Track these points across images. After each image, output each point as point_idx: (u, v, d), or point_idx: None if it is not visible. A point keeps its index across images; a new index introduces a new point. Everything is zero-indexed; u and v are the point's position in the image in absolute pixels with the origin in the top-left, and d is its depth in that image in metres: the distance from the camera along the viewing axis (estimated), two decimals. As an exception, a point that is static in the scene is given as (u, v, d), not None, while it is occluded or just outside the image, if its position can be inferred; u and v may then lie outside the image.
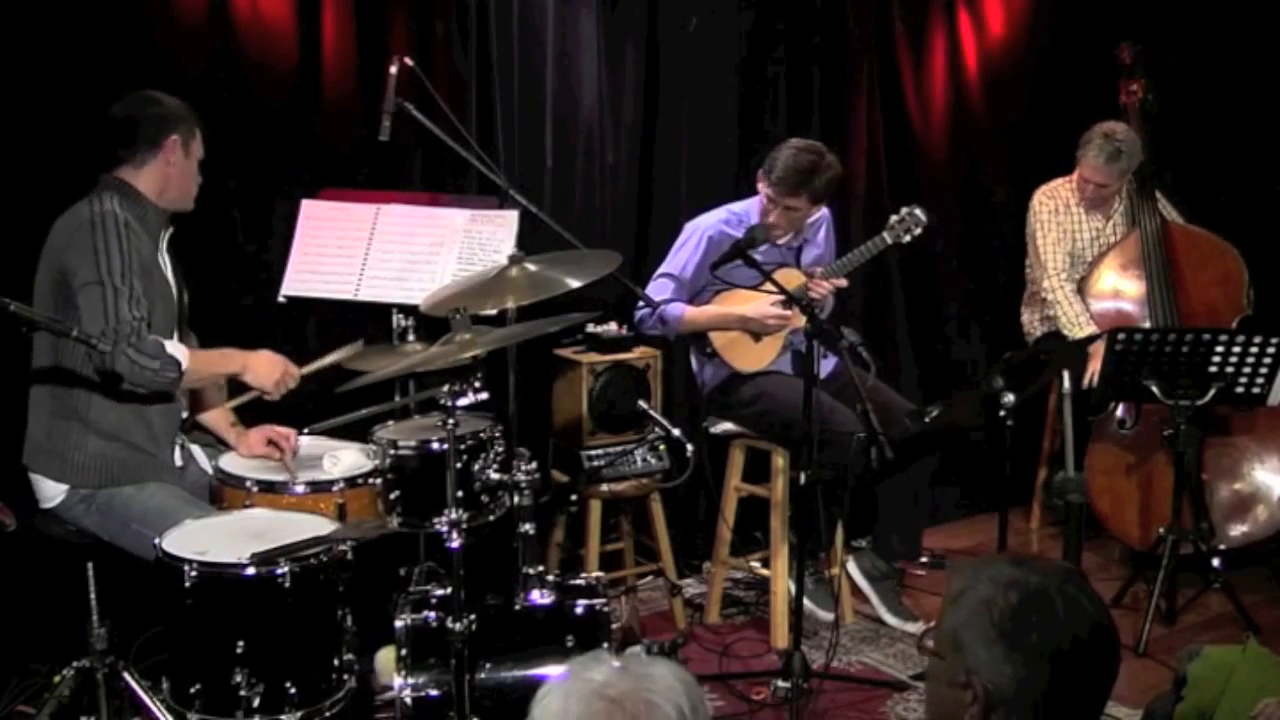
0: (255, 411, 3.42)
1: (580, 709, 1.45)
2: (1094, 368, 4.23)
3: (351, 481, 3.16)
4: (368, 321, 3.71)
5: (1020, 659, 1.60)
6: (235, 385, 3.29)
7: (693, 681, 1.51)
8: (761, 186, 3.97)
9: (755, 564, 4.22)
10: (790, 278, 3.94)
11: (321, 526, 2.94)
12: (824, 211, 4.12)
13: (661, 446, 3.98)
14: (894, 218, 3.99)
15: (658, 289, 4.01)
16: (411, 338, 3.52)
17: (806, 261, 4.11)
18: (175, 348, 3.03)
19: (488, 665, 2.94)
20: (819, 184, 3.90)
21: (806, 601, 3.88)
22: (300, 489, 3.14)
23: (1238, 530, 4.41)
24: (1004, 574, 1.66)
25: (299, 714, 2.78)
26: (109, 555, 3.02)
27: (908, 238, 3.98)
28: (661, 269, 4.06)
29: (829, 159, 3.92)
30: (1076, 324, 4.54)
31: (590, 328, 3.95)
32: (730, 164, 4.69)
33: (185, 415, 3.33)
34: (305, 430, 3.42)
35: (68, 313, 2.97)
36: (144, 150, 3.16)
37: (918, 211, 3.96)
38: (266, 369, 3.18)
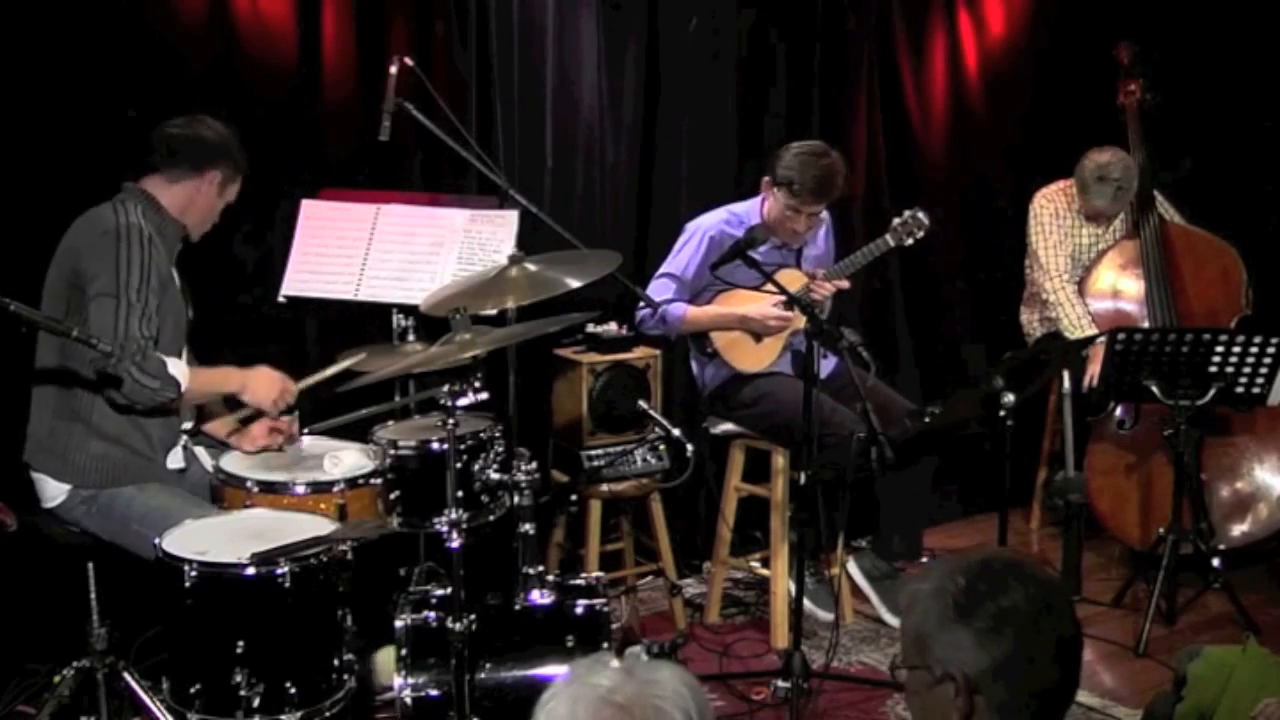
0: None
1: (587, 715, 1.44)
2: (1094, 369, 4.23)
3: (352, 482, 3.16)
4: (368, 322, 3.71)
5: (984, 628, 1.63)
6: (235, 402, 3.31)
7: (698, 686, 1.51)
8: (780, 196, 3.93)
9: (755, 564, 4.22)
10: (792, 279, 3.94)
11: (321, 526, 2.94)
12: (824, 214, 4.13)
13: (661, 446, 3.98)
14: (897, 220, 3.99)
15: (659, 289, 4.01)
16: (411, 338, 3.52)
17: (807, 263, 4.11)
18: (177, 368, 3.05)
19: (488, 665, 2.95)
20: (839, 186, 3.94)
21: (806, 601, 3.88)
22: (301, 489, 3.13)
23: (1238, 530, 4.41)
24: (946, 566, 1.71)
25: (299, 714, 2.78)
26: (109, 555, 3.03)
27: (910, 240, 3.98)
28: (662, 269, 4.06)
29: (835, 155, 3.93)
30: (1079, 326, 4.54)
31: (590, 328, 3.95)
32: (730, 164, 4.70)
33: (189, 426, 3.34)
34: (305, 430, 3.42)
35: (77, 315, 2.98)
36: (183, 169, 3.19)
37: (920, 214, 3.96)
38: (265, 387, 3.20)
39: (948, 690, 1.64)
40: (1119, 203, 4.60)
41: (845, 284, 4.01)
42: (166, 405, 3.09)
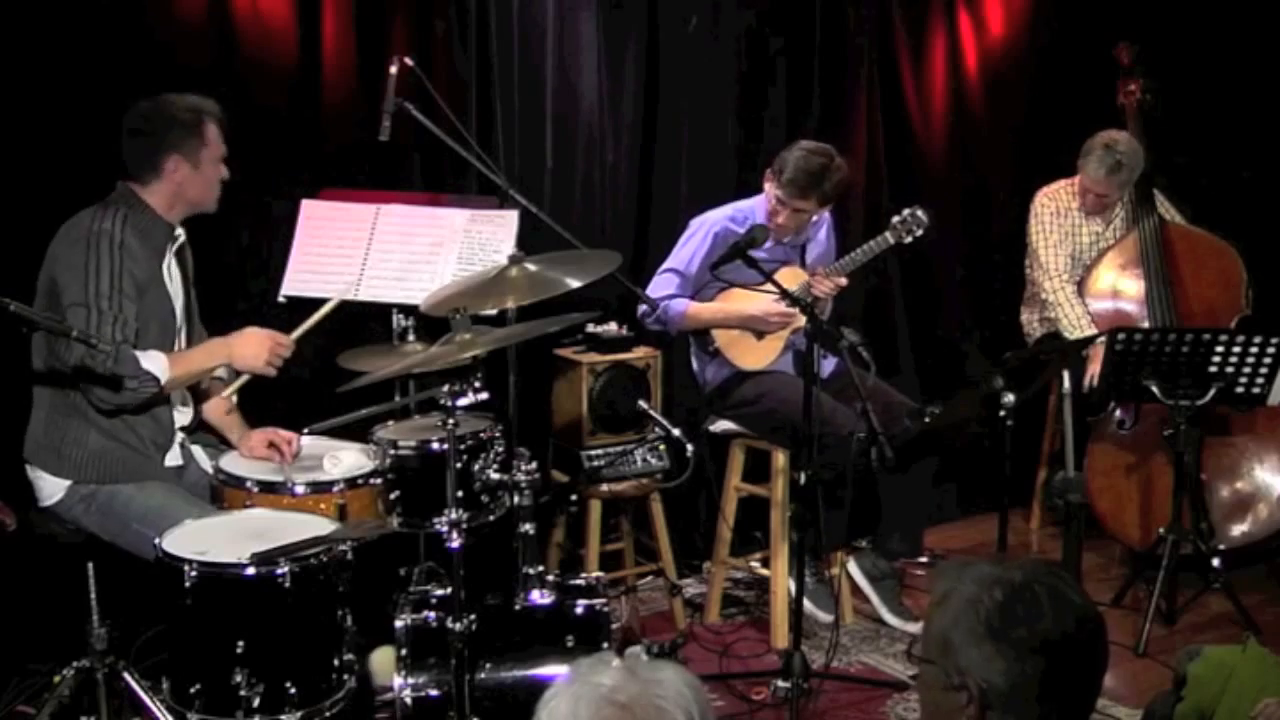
0: (259, 408, 3.42)
1: (589, 714, 1.45)
2: (1094, 369, 4.23)
3: (352, 482, 3.16)
4: (368, 322, 3.71)
5: (1011, 653, 1.62)
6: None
7: (699, 685, 1.51)
8: (770, 187, 3.97)
9: (755, 564, 4.22)
10: (794, 276, 3.95)
11: (321, 526, 2.94)
12: (825, 214, 4.13)
13: (661, 446, 3.98)
14: (896, 218, 3.99)
15: (662, 284, 4.02)
16: (411, 338, 3.52)
17: (809, 260, 4.12)
18: (152, 361, 3.03)
19: (488, 665, 2.94)
20: (828, 187, 3.92)
21: (806, 601, 3.88)
22: (300, 489, 3.13)
23: (1238, 530, 4.41)
24: (987, 573, 1.68)
25: (299, 714, 2.78)
26: (109, 555, 3.03)
27: (909, 238, 3.98)
28: (666, 264, 4.07)
29: (838, 161, 3.94)
30: (1078, 326, 4.53)
31: (590, 328, 3.95)
32: (730, 164, 4.70)
33: (187, 423, 3.33)
34: (305, 430, 3.42)
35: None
36: (147, 172, 3.16)
37: (920, 212, 3.96)
38: (254, 349, 3.15)
39: (960, 698, 1.64)
40: (1113, 179, 4.54)
41: (844, 281, 4.01)
42: (151, 399, 3.08)
